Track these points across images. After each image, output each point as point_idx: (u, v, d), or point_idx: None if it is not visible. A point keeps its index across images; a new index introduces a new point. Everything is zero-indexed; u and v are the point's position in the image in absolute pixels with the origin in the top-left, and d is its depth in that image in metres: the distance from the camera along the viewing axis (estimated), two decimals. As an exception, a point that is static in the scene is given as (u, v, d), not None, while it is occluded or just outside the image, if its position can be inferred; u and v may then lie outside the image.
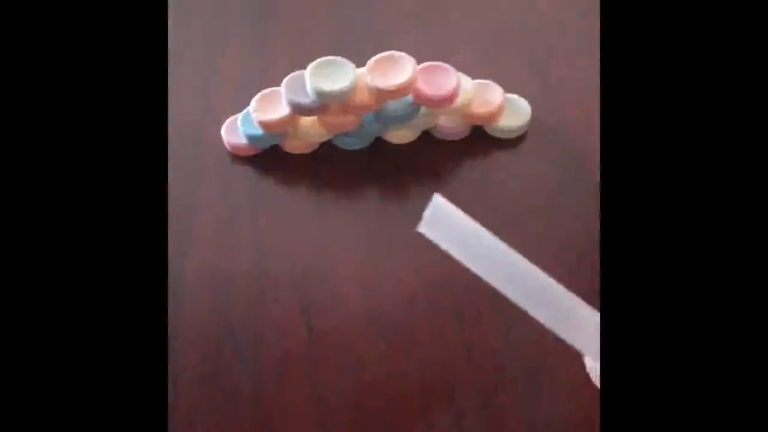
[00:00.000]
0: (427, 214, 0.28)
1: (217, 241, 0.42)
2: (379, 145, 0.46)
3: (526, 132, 0.46)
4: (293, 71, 0.43)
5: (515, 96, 0.46)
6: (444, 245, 0.29)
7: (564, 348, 0.36)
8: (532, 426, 0.34)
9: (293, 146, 0.45)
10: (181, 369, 0.36)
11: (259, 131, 0.44)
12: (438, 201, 0.28)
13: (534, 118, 0.46)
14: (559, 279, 0.39)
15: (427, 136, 0.46)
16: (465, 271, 0.40)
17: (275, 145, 0.45)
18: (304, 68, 0.42)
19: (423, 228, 0.28)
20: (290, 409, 0.35)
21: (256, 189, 0.44)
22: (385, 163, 0.45)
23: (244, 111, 0.45)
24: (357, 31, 0.51)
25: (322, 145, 0.45)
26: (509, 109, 0.45)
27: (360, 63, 0.43)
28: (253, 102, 0.44)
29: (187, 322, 0.38)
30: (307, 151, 0.45)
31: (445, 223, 0.28)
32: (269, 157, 0.45)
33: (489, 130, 0.45)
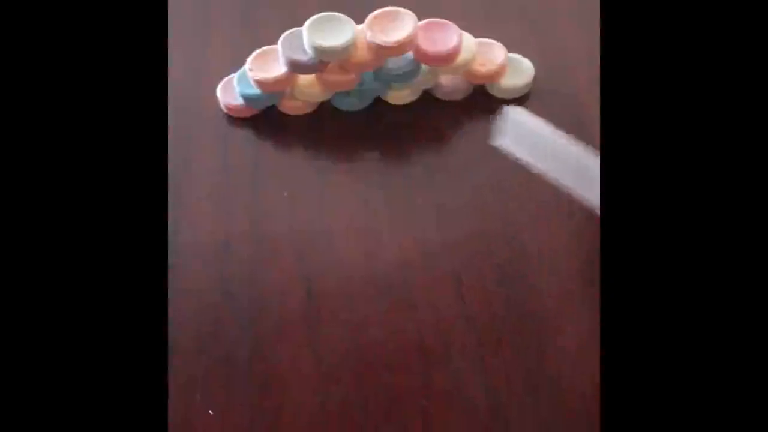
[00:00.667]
0: (506, 128, 0.31)
1: (214, 204, 0.41)
2: (378, 105, 0.45)
3: (528, 92, 0.44)
4: (289, 29, 0.42)
5: (518, 55, 0.45)
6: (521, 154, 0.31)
7: (561, 309, 0.35)
8: (530, 387, 0.34)
9: (291, 107, 0.44)
10: (179, 334, 0.36)
11: (255, 91, 0.43)
12: (515, 115, 0.31)
13: (536, 79, 0.44)
14: (561, 240, 0.38)
15: (427, 97, 0.45)
16: (464, 233, 0.39)
17: (272, 106, 0.44)
18: (301, 26, 0.41)
19: (502, 142, 0.31)
20: (290, 372, 0.35)
21: (254, 151, 0.43)
22: (385, 124, 0.44)
23: (240, 70, 0.43)
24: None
25: (320, 106, 0.44)
26: (512, 68, 0.44)
27: (359, 20, 0.41)
28: (249, 60, 0.43)
29: (184, 286, 0.37)
30: (305, 112, 0.44)
31: (522, 133, 0.31)
32: (266, 119, 0.44)
33: (491, 90, 0.44)
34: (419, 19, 0.41)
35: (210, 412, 0.34)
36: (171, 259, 0.38)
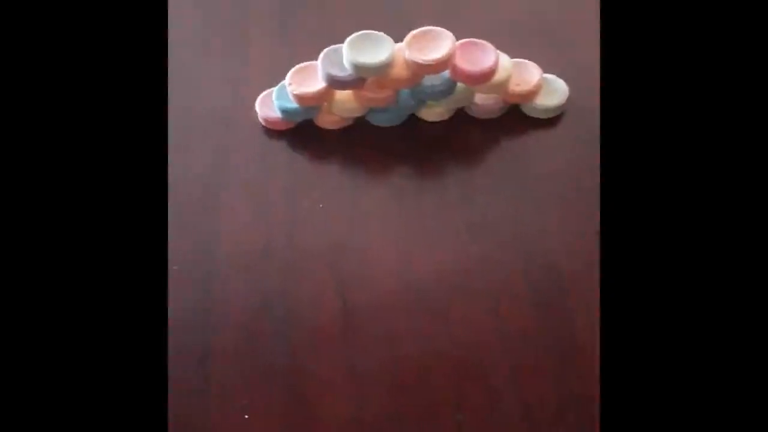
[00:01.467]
0: None
1: (251, 216, 0.41)
2: (412, 122, 0.45)
3: (562, 113, 0.45)
4: (326, 47, 0.43)
5: (553, 76, 0.45)
6: None
7: (593, 328, 0.36)
8: (563, 407, 0.34)
9: (327, 121, 0.45)
10: (216, 344, 0.36)
11: (294, 105, 0.43)
12: None
13: (570, 99, 0.45)
14: (589, 264, 0.38)
15: (461, 115, 0.45)
16: (500, 250, 0.40)
17: (309, 120, 0.45)
18: (338, 44, 0.42)
19: None
20: (325, 383, 0.35)
21: (290, 164, 0.44)
22: (419, 140, 0.45)
23: (280, 84, 0.44)
24: (388, 10, 0.51)
25: (356, 121, 0.45)
26: (546, 88, 0.45)
27: (397, 39, 0.42)
28: (289, 75, 0.43)
29: (221, 297, 0.38)
30: (341, 126, 0.45)
31: None
32: (303, 133, 0.45)
33: (525, 110, 0.45)
34: (456, 39, 0.42)
35: (246, 416, 0.34)
36: (206, 270, 0.39)
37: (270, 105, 0.45)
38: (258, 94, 0.45)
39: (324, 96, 0.43)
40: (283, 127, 0.45)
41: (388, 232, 0.40)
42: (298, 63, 0.44)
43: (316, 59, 0.43)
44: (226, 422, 0.34)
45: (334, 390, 0.35)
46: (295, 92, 0.43)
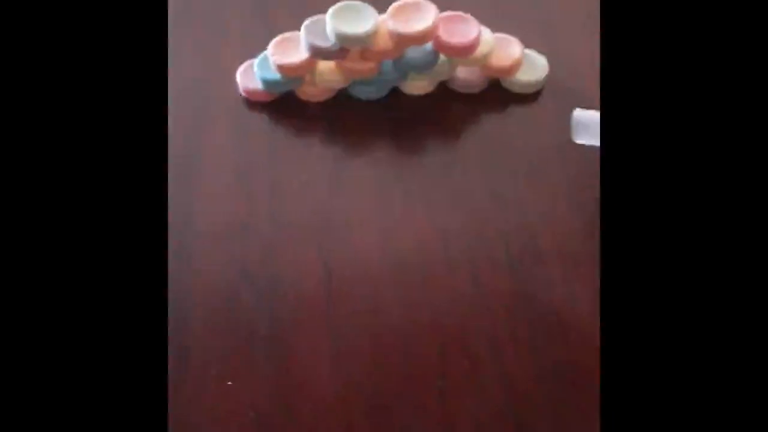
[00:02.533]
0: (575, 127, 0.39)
1: (232, 186, 0.41)
2: (395, 95, 0.45)
3: (542, 88, 0.45)
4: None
5: (533, 52, 0.46)
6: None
7: (573, 298, 0.36)
8: (542, 370, 0.34)
9: (309, 93, 0.45)
10: (197, 312, 0.36)
11: (276, 75, 0.43)
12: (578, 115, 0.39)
13: (549, 75, 0.45)
14: (565, 234, 0.39)
15: (443, 88, 0.46)
16: (479, 221, 0.40)
17: (290, 92, 0.45)
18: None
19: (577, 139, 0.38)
20: (308, 352, 0.35)
21: (271, 136, 0.44)
22: (401, 113, 0.45)
23: (262, 55, 0.44)
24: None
25: (338, 93, 0.45)
26: (527, 64, 0.45)
27: (381, 11, 0.42)
28: (271, 45, 0.43)
29: (203, 267, 0.38)
30: (323, 98, 0.45)
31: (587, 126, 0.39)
32: (284, 104, 0.45)
33: (506, 84, 0.45)
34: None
35: (229, 383, 0.34)
36: (188, 242, 0.39)
37: (251, 76, 0.44)
38: (237, 66, 0.45)
39: (306, 66, 0.43)
40: (265, 99, 0.45)
41: (369, 204, 0.41)
42: (279, 35, 0.44)
43: (298, 31, 0.42)
44: (208, 388, 0.34)
45: (317, 358, 0.35)
46: (277, 62, 0.43)
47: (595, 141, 0.39)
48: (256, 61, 0.44)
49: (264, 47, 0.44)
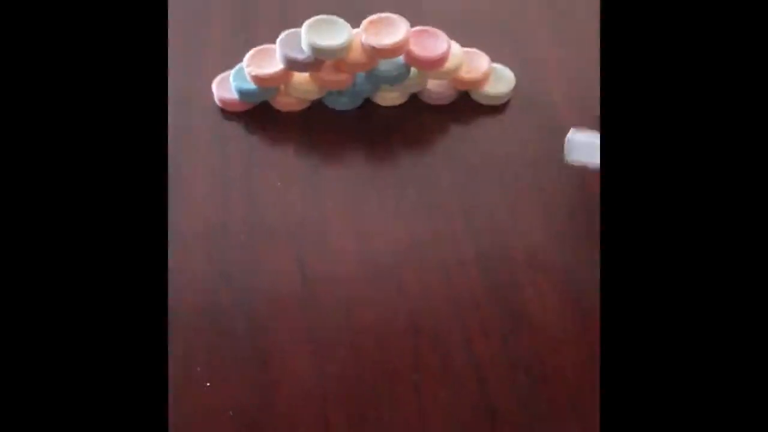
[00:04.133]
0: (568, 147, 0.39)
1: (210, 193, 0.42)
2: (368, 107, 0.47)
3: (509, 100, 0.47)
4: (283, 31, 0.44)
5: (500, 65, 0.48)
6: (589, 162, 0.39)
7: (540, 296, 0.38)
8: (511, 363, 0.36)
9: (284, 103, 0.46)
10: (178, 314, 0.37)
11: (251, 86, 0.44)
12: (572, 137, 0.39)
13: (517, 87, 0.47)
14: (539, 233, 0.41)
15: (414, 100, 0.47)
16: (449, 225, 0.41)
17: (266, 102, 0.46)
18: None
19: (571, 157, 0.39)
20: (286, 350, 0.36)
21: (248, 145, 0.45)
22: (374, 124, 0.46)
23: (237, 66, 0.45)
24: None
25: (312, 104, 0.46)
26: (495, 76, 0.47)
27: (354, 25, 0.44)
28: (247, 57, 0.45)
29: (183, 270, 0.39)
30: (297, 108, 0.46)
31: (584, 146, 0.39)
32: (260, 114, 0.46)
33: (475, 96, 0.47)
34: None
35: (207, 384, 0.35)
36: (170, 242, 0.39)
37: (227, 86, 0.45)
38: (214, 77, 0.46)
39: (281, 78, 0.44)
40: (240, 109, 0.46)
41: (345, 211, 0.42)
42: (255, 46, 0.45)
43: (274, 43, 0.44)
44: (186, 389, 0.35)
45: (295, 356, 0.36)
46: (253, 73, 0.44)
47: (591, 161, 0.39)
48: (232, 71, 0.45)
49: (242, 58, 0.45)
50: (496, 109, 0.47)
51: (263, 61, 0.44)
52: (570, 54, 0.50)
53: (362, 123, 0.46)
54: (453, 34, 0.46)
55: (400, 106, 0.47)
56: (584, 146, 0.39)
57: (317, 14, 0.44)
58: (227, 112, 0.46)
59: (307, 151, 0.45)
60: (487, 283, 0.39)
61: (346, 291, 0.38)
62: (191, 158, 0.44)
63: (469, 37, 0.48)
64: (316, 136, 0.45)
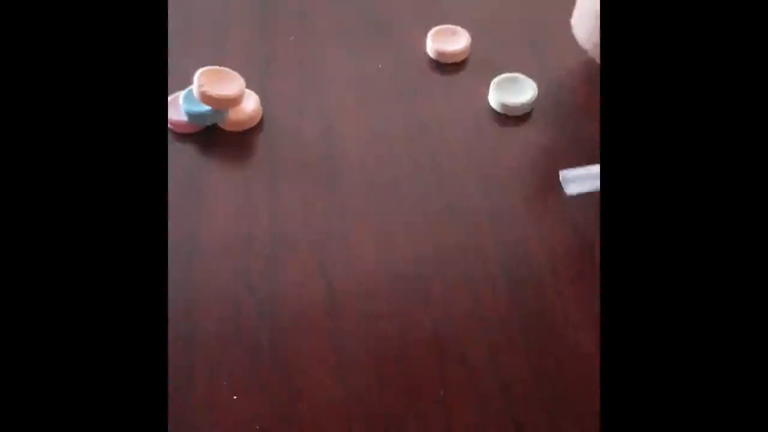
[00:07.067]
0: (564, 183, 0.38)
1: (233, 207, 0.38)
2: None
3: (532, 109, 0.43)
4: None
5: (523, 75, 0.43)
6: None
7: (565, 312, 0.35)
8: (539, 379, 0.33)
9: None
10: (202, 327, 0.34)
11: (203, 107, 0.39)
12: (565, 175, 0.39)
13: (538, 98, 0.43)
14: (563, 245, 0.36)
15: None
16: (473, 237, 0.38)
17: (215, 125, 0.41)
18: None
19: (570, 191, 0.39)
20: (310, 362, 0.33)
21: (271, 160, 0.40)
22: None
23: (188, 88, 0.40)
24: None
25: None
26: (517, 86, 0.43)
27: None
28: (197, 77, 0.40)
29: (207, 283, 0.35)
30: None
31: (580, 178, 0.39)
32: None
33: (497, 107, 0.42)
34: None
35: (234, 397, 0.31)
36: (192, 260, 0.36)
37: (177, 108, 0.40)
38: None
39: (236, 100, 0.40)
40: (190, 131, 0.41)
41: (367, 223, 0.38)
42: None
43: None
44: (213, 402, 0.31)
45: (319, 369, 0.33)
46: (208, 94, 0.39)
47: (590, 189, 0.38)
48: (182, 93, 0.40)
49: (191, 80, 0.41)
50: (520, 118, 0.43)
51: (214, 82, 0.38)
52: (592, 63, 0.47)
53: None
54: (477, 43, 0.44)
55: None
56: (580, 179, 0.38)
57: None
58: (176, 134, 0.41)
59: (329, 164, 0.40)
60: (512, 294, 0.36)
61: (370, 304, 0.35)
62: (214, 173, 0.39)
63: (494, 45, 0.45)
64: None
